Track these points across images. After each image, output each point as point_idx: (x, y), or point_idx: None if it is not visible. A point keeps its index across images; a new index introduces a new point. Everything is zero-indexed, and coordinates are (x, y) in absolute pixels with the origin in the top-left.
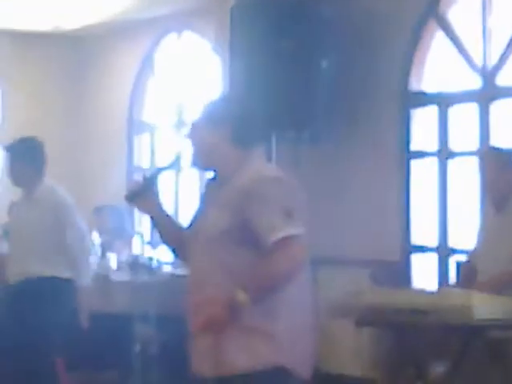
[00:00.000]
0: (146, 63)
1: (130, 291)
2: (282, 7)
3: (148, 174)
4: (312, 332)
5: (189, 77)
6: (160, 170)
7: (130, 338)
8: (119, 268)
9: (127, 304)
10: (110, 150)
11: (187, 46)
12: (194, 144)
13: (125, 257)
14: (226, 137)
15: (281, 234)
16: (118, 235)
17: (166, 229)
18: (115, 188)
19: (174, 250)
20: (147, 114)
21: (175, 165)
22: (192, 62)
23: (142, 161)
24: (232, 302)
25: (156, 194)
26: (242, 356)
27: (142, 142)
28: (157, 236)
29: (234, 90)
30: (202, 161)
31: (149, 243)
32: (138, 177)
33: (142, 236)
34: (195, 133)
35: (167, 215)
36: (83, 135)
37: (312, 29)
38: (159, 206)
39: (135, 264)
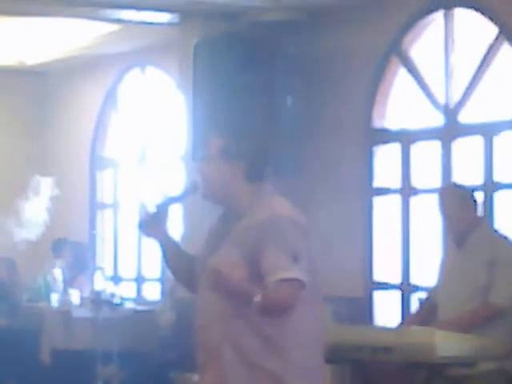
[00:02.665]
0: (109, 98)
1: (92, 327)
2: (246, 44)
3: (159, 203)
4: (321, 372)
5: (152, 112)
6: (171, 199)
7: (92, 374)
8: (81, 304)
9: (89, 340)
10: (72, 185)
11: (150, 81)
12: (206, 178)
13: (87, 293)
14: (239, 172)
15: (283, 275)
16: (80, 271)
17: (174, 257)
18: (78, 223)
19: (184, 282)
20: (110, 150)
21: (185, 196)
22: (155, 98)
23: (105, 196)
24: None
25: (165, 223)
26: None
27: (104, 178)
28: (165, 268)
29: (197, 126)
30: (214, 195)
31: (111, 279)
32: (149, 206)
33: (104, 272)
34: (207, 167)
35: (175, 243)
36: (45, 169)
37: (276, 66)
38: (167, 233)
39: (97, 300)
